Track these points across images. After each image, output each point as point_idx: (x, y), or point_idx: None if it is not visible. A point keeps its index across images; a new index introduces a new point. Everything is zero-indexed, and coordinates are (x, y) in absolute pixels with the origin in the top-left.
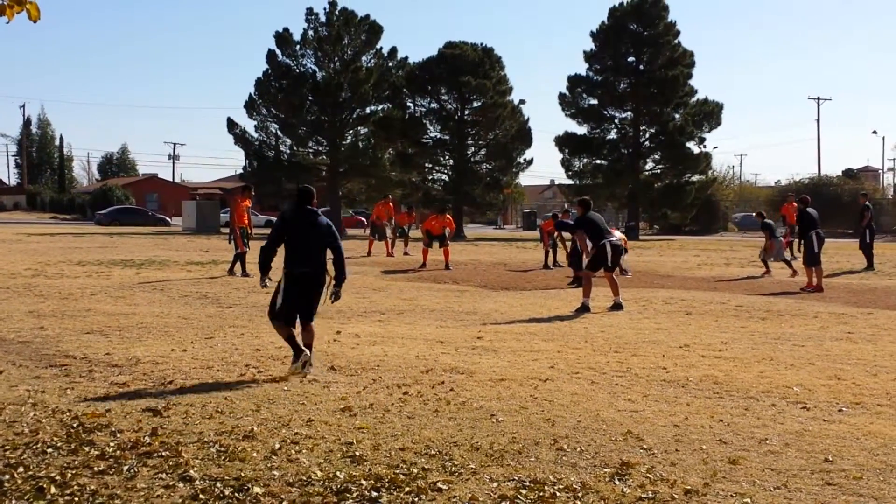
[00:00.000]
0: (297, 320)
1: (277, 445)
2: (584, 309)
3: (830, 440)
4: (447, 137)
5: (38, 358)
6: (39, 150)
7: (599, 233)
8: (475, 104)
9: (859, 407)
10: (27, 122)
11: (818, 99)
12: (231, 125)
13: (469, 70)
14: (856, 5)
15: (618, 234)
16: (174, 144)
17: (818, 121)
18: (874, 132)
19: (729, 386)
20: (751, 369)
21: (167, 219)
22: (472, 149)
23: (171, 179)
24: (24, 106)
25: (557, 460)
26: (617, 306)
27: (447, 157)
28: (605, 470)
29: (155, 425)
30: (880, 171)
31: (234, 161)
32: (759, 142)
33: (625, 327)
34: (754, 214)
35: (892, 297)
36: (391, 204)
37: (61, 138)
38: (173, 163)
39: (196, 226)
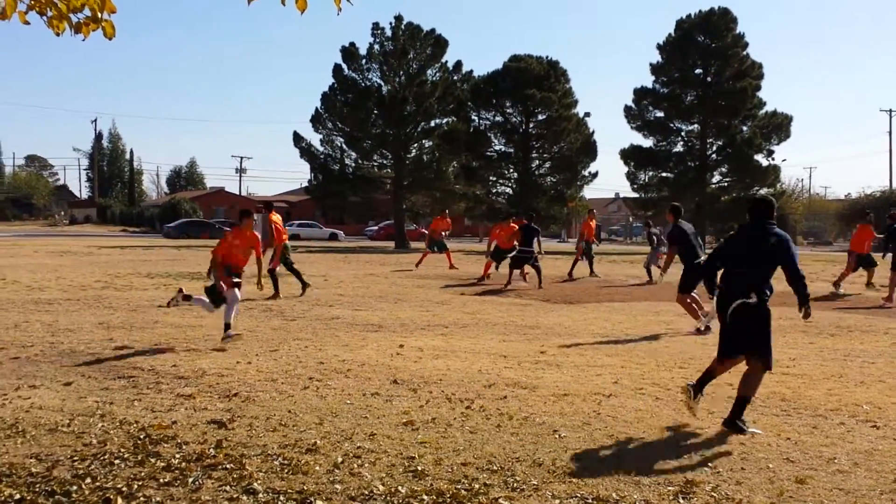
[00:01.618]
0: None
1: (340, 459)
2: (706, 330)
3: None
4: (511, 150)
5: (107, 370)
6: (110, 164)
7: (693, 248)
8: (540, 117)
9: None
10: (98, 137)
11: (890, 111)
12: (297, 139)
13: (534, 83)
14: None
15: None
16: (241, 158)
17: (890, 133)
18: None
19: (797, 403)
20: (819, 386)
21: None
22: (537, 162)
23: (237, 193)
24: (95, 121)
25: (621, 478)
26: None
27: (511, 171)
28: (670, 488)
29: (220, 437)
30: None
31: (299, 174)
32: (828, 155)
33: (690, 342)
34: (642, 224)
35: None
36: (448, 219)
37: (131, 152)
38: (240, 176)
39: (262, 238)
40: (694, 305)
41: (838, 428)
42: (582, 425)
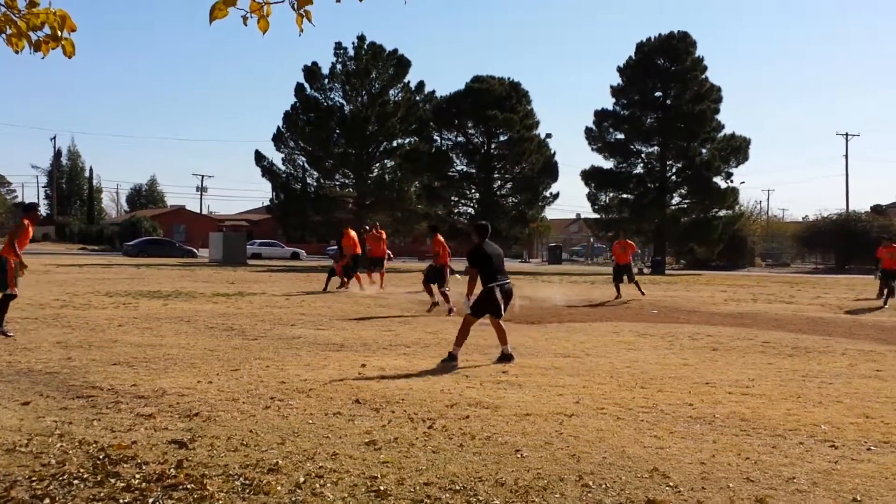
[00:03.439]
0: None
1: (302, 479)
2: (452, 359)
3: (859, 479)
4: (473, 171)
5: (65, 389)
6: (69, 182)
7: (493, 272)
8: (501, 138)
9: (888, 446)
10: (57, 154)
11: (846, 134)
12: (259, 158)
13: (496, 104)
14: (882, 42)
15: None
16: (202, 176)
17: (846, 156)
18: None
19: (756, 423)
20: (778, 406)
21: (194, 250)
22: (499, 182)
23: (198, 211)
24: (54, 138)
25: (582, 497)
26: (505, 357)
27: (473, 191)
28: None
29: (180, 457)
30: None
31: (261, 193)
32: (786, 177)
33: (651, 363)
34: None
35: None
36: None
37: (91, 170)
38: (201, 195)
39: (223, 257)
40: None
41: (797, 448)
42: (544, 445)
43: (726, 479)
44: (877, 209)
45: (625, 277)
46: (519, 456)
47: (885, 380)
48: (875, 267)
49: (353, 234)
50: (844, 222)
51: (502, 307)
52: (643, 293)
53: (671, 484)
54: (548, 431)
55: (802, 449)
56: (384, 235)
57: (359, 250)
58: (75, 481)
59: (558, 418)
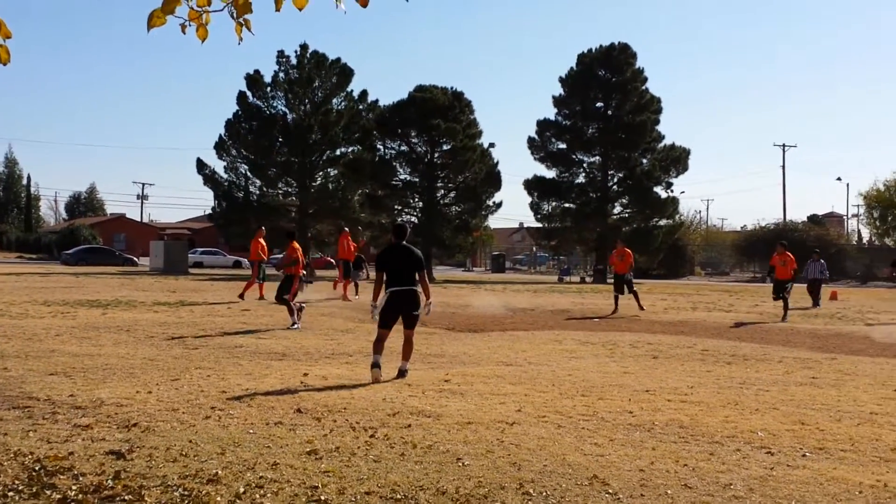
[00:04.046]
0: None
1: (242, 489)
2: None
3: (794, 485)
4: (417, 180)
5: (1, 399)
6: (6, 190)
7: (393, 276)
8: (445, 147)
9: (823, 452)
10: None
11: (784, 145)
12: (201, 166)
13: (439, 113)
14: (819, 54)
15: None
16: (143, 184)
17: (783, 167)
18: (839, 179)
19: (694, 430)
20: (716, 414)
21: (135, 259)
22: (442, 191)
23: (139, 219)
24: None
25: None
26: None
27: (416, 200)
28: None
29: (118, 468)
30: (844, 218)
31: (203, 202)
32: (726, 187)
33: (592, 371)
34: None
35: (856, 342)
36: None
37: (28, 177)
38: (142, 203)
39: (164, 266)
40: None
41: (734, 454)
42: (485, 453)
43: (665, 485)
44: (813, 219)
45: (625, 288)
46: (460, 464)
47: (821, 387)
48: (767, 274)
49: (349, 241)
50: (781, 232)
51: (384, 315)
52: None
53: (610, 491)
54: (489, 440)
55: (739, 455)
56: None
57: (351, 257)
58: (10, 493)
59: (500, 427)
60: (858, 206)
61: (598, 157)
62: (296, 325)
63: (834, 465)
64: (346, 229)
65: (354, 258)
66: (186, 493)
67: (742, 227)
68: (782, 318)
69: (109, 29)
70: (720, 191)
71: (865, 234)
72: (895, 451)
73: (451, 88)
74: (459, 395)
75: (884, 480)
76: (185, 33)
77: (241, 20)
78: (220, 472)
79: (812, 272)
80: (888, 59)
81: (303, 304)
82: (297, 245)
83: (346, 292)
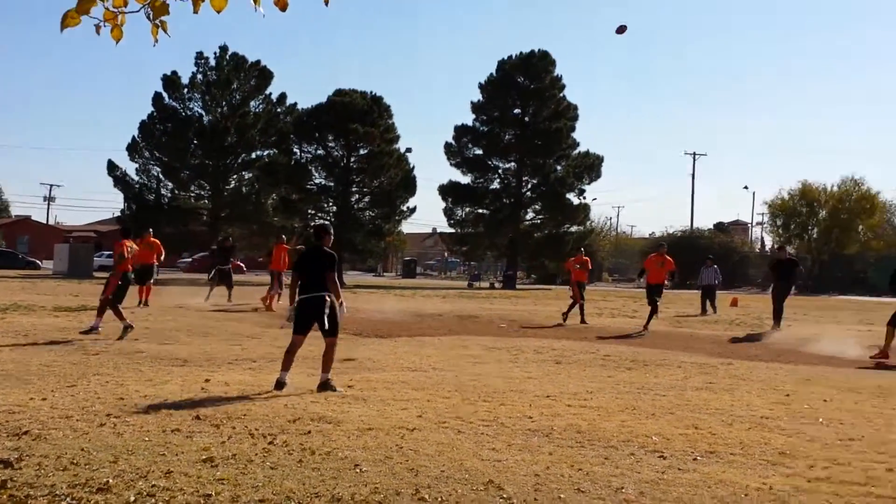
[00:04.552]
0: None
1: (133, 498)
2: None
3: (684, 488)
4: (332, 184)
5: None
6: None
7: (306, 280)
8: (362, 152)
9: (713, 456)
10: None
11: (694, 154)
12: (112, 167)
13: (357, 117)
14: (729, 65)
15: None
16: (50, 186)
17: (693, 175)
18: (745, 187)
19: (591, 435)
20: (613, 418)
21: (38, 262)
22: (357, 195)
23: (45, 221)
24: None
25: None
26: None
27: (331, 204)
28: None
29: (5, 478)
30: (749, 226)
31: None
32: (636, 195)
33: (495, 376)
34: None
35: (753, 348)
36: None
37: None
38: (48, 205)
39: (68, 269)
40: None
41: (628, 458)
42: (384, 459)
43: (558, 489)
44: (719, 226)
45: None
46: (358, 471)
47: (716, 392)
48: (638, 276)
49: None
50: (689, 239)
51: (297, 321)
52: (645, 327)
53: (504, 496)
54: (388, 446)
55: (633, 460)
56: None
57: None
58: None
59: (400, 432)
60: (763, 214)
61: (513, 164)
62: (94, 329)
63: (723, 469)
64: (284, 237)
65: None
66: (74, 502)
67: (650, 234)
68: (645, 325)
69: (17, 26)
70: (631, 198)
71: (769, 241)
72: (782, 454)
73: (371, 93)
74: (362, 401)
75: (769, 483)
76: (99, 34)
77: (157, 22)
78: (111, 480)
79: (706, 278)
80: (795, 71)
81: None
82: (128, 243)
83: (271, 302)
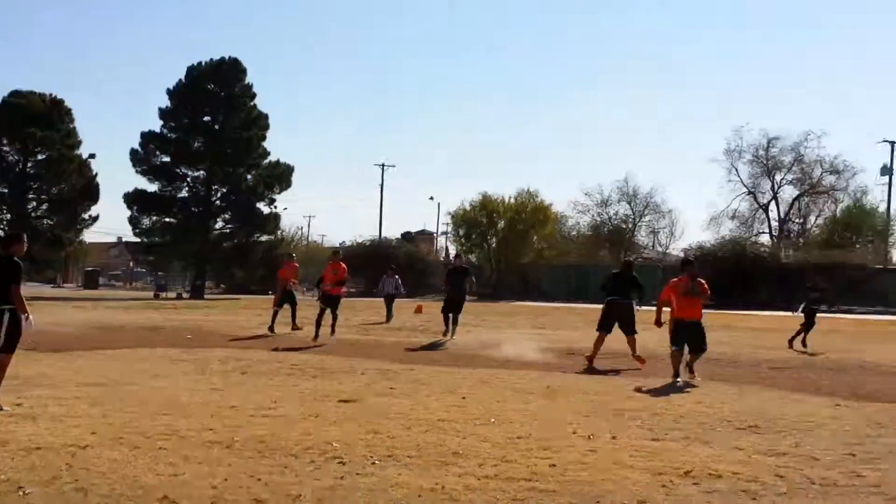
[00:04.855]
0: None
1: None
2: None
3: (361, 493)
4: (6, 191)
5: None
6: None
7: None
8: (40, 157)
9: (391, 459)
10: None
11: (383, 165)
12: None
13: (35, 121)
14: (409, 79)
15: None
16: None
17: (382, 186)
18: (431, 198)
19: (273, 444)
20: (296, 427)
21: None
22: (34, 203)
23: None
24: None
25: None
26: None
27: (5, 212)
28: None
29: None
30: (435, 235)
31: None
32: (327, 205)
33: (180, 388)
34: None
35: (435, 354)
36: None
37: None
38: None
39: None
40: None
41: (308, 466)
42: (51, 480)
43: (236, 500)
44: (406, 236)
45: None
46: (20, 494)
47: (397, 397)
48: (315, 285)
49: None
50: (377, 248)
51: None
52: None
53: None
54: (58, 465)
55: (313, 467)
56: None
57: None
58: None
59: (71, 451)
60: (447, 224)
61: (203, 172)
62: None
63: (399, 472)
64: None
65: None
66: None
67: (341, 244)
68: (330, 330)
69: None
70: (322, 208)
71: (453, 251)
72: (456, 454)
73: (51, 95)
74: (31, 420)
75: (442, 483)
76: None
77: None
78: None
79: (387, 287)
80: (480, 87)
81: None
82: None
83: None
